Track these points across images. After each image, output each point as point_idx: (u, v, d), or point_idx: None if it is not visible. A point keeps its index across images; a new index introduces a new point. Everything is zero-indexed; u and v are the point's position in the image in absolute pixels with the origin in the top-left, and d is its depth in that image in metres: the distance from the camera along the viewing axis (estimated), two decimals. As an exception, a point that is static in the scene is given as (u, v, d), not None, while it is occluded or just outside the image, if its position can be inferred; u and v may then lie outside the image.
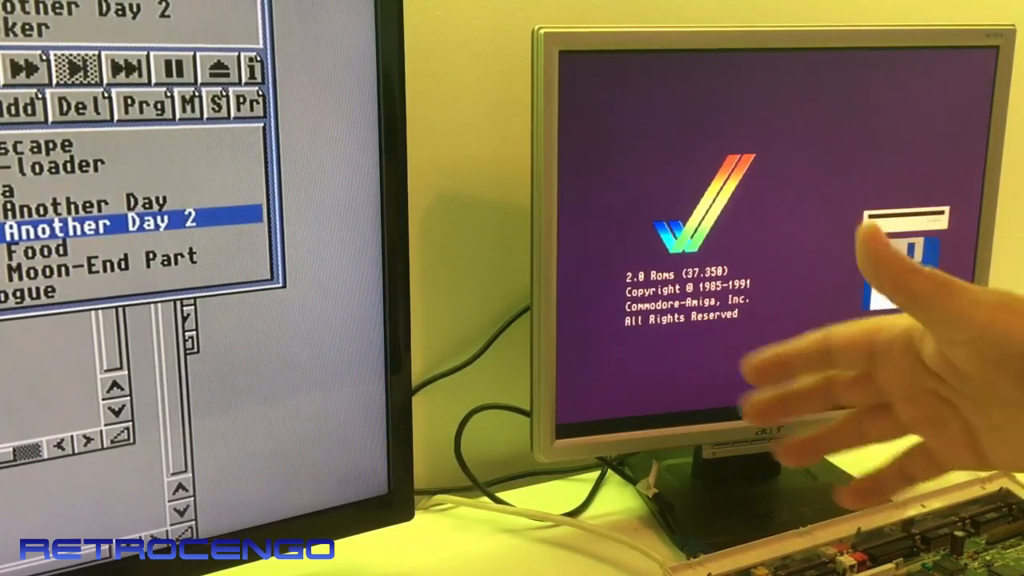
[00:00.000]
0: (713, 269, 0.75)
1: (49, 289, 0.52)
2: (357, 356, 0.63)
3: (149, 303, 0.55)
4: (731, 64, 0.71)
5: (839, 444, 0.49)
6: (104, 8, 0.50)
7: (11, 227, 0.50)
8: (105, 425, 0.55)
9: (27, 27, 0.49)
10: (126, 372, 0.55)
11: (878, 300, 0.79)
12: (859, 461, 0.90)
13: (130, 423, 0.56)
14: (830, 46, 0.73)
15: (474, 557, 0.75)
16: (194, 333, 0.57)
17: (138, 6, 0.51)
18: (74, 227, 0.52)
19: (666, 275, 0.74)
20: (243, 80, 0.55)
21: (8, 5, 0.48)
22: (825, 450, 0.49)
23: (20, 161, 0.50)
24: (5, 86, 0.49)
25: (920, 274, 0.40)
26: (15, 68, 0.49)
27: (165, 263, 0.55)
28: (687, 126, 0.71)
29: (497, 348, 0.87)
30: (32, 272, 0.51)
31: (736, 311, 0.76)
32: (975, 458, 0.44)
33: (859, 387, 0.46)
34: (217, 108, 0.55)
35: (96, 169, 0.52)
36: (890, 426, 0.46)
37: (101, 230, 0.53)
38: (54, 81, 0.50)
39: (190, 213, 0.55)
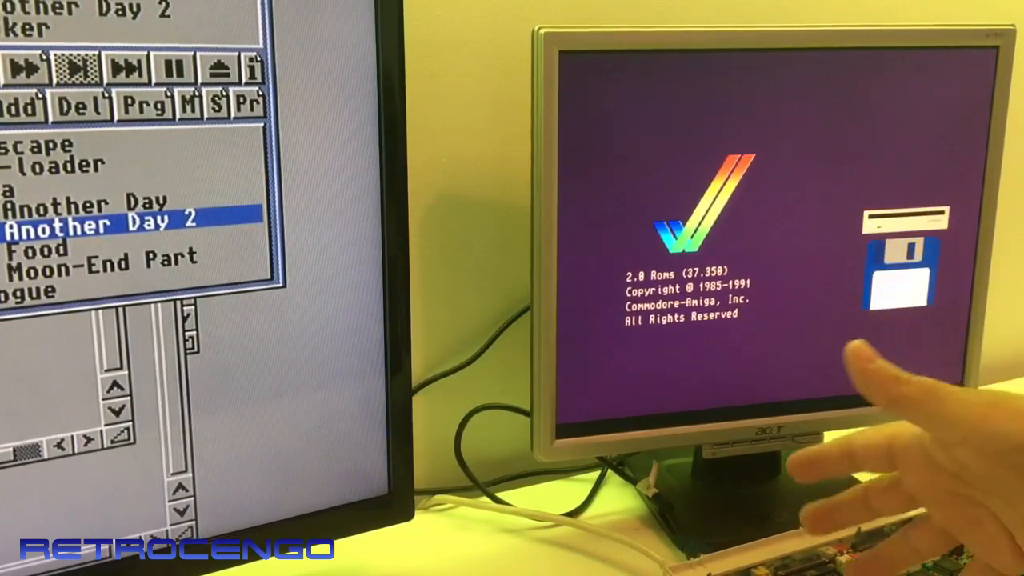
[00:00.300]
0: (713, 269, 0.75)
1: (49, 289, 0.52)
2: (357, 356, 0.63)
3: (149, 303, 0.55)
4: (731, 64, 0.71)
5: (898, 560, 0.50)
6: (104, 8, 0.50)
7: (11, 227, 0.50)
8: (105, 425, 0.55)
9: (27, 27, 0.49)
10: (126, 372, 0.55)
11: (878, 301, 0.79)
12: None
13: (130, 423, 0.56)
14: (830, 46, 0.73)
15: (474, 557, 0.76)
16: (194, 333, 0.57)
17: (138, 6, 0.51)
18: (74, 227, 0.52)
19: (666, 275, 0.74)
20: (243, 80, 0.55)
21: (8, 5, 0.48)
22: (888, 568, 0.50)
23: (20, 161, 0.50)
24: (5, 86, 0.49)
25: (906, 383, 0.43)
26: (15, 68, 0.49)
27: (165, 263, 0.55)
28: (687, 126, 0.71)
29: (497, 348, 0.87)
30: (32, 272, 0.51)
31: (736, 311, 0.76)
32: (1018, 556, 0.44)
33: (892, 494, 0.47)
34: (217, 108, 0.55)
35: (96, 169, 0.52)
36: (932, 534, 0.47)
37: (101, 230, 0.53)
38: (54, 81, 0.50)
39: (190, 213, 0.55)
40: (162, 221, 0.54)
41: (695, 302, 0.75)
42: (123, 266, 0.54)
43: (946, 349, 0.82)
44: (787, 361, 0.78)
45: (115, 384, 0.55)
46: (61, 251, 0.52)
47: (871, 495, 0.48)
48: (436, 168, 0.83)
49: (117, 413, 0.55)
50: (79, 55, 0.50)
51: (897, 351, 0.80)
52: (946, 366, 0.82)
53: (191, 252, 0.56)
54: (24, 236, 0.51)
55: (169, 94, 0.53)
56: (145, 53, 0.52)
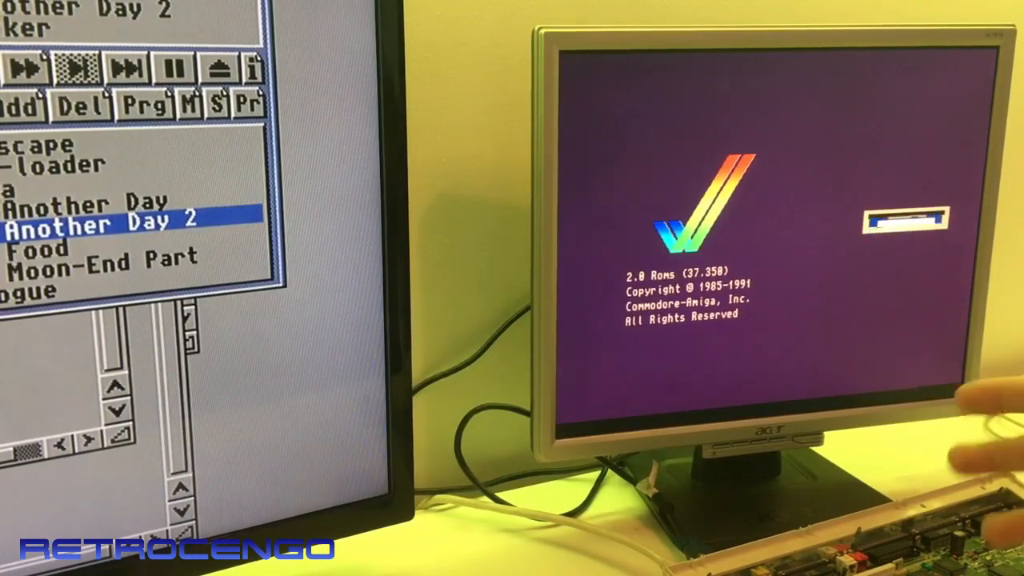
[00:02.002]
0: (713, 269, 0.75)
1: (49, 289, 0.52)
2: (357, 356, 0.63)
3: (149, 303, 0.55)
4: (731, 64, 0.71)
5: None
6: (104, 8, 0.50)
7: (11, 227, 0.50)
8: (105, 425, 0.55)
9: (27, 27, 0.49)
10: (126, 372, 0.55)
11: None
12: (857, 459, 0.90)
13: (130, 423, 0.56)
14: (830, 46, 0.73)
15: (474, 557, 0.75)
16: (194, 333, 0.57)
17: (138, 6, 0.51)
18: (74, 227, 0.52)
19: (666, 275, 0.74)
20: (243, 80, 0.55)
21: (8, 5, 0.48)
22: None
23: (20, 161, 0.50)
24: (5, 86, 0.49)
25: None
26: (15, 68, 0.49)
27: (165, 263, 0.55)
28: (687, 126, 0.71)
29: (497, 348, 0.87)
30: (32, 272, 0.51)
31: (736, 311, 0.76)
32: None
33: None
34: (217, 108, 0.55)
35: (96, 169, 0.52)
36: None
37: (101, 230, 0.53)
38: (54, 81, 0.50)
39: (190, 213, 0.55)
40: (162, 221, 0.54)
41: (695, 302, 0.75)
42: (123, 266, 0.54)
43: (946, 349, 0.82)
44: (787, 361, 0.78)
45: (115, 384, 0.55)
46: (61, 251, 0.52)
47: None
48: (436, 168, 0.83)
49: (117, 413, 0.55)
50: (79, 55, 0.50)
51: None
52: (946, 366, 0.82)
53: (191, 252, 0.56)
54: (24, 236, 0.51)
55: (169, 94, 0.53)
56: (145, 53, 0.52)
